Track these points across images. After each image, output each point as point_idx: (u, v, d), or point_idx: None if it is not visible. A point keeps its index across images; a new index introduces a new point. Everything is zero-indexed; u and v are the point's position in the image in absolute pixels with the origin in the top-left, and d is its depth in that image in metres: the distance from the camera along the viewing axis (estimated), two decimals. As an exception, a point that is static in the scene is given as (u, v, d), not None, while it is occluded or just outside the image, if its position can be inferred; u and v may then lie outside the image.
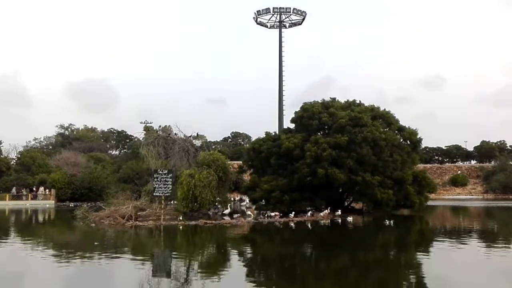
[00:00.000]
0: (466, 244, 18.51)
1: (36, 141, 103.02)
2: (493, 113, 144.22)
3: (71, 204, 49.77)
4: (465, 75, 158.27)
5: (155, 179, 28.11)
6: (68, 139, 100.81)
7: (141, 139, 48.46)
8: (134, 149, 65.56)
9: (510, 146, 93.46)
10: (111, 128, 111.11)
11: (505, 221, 32.56)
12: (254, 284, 11.37)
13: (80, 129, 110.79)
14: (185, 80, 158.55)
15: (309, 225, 26.08)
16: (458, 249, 16.79)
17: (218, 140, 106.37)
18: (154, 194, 28.70)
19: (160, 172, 28.41)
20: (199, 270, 13.41)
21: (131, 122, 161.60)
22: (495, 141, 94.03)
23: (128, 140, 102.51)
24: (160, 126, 39.40)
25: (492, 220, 33.36)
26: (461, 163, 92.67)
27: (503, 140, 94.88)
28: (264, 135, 36.50)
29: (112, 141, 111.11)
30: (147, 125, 67.41)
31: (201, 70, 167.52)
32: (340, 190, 33.70)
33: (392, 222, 25.58)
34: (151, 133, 40.15)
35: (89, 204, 41.75)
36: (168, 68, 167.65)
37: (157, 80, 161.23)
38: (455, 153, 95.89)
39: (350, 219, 28.03)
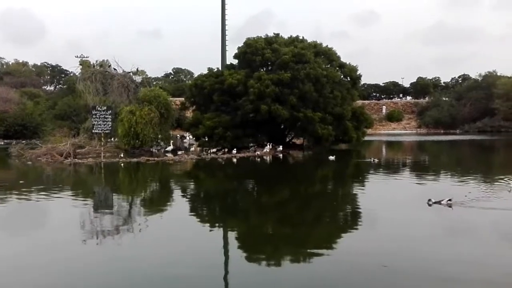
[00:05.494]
0: (399, 176, 19.66)
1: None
2: (428, 50, 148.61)
3: (3, 142, 47.56)
4: (398, 10, 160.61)
5: (94, 116, 27.40)
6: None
7: (77, 74, 46.32)
8: (70, 85, 62.66)
9: (444, 82, 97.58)
10: (45, 62, 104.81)
11: (435, 154, 34.68)
12: (197, 219, 11.58)
13: (11, 63, 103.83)
14: (114, 10, 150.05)
15: (251, 161, 26.56)
16: (391, 181, 17.79)
17: (160, 76, 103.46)
18: (93, 131, 28.05)
19: (99, 108, 27.74)
20: (141, 207, 13.44)
21: (63, 57, 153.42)
22: (431, 78, 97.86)
23: (63, 75, 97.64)
24: (97, 61, 37.60)
25: (423, 153, 35.43)
26: (398, 99, 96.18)
27: (438, 77, 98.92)
28: (207, 71, 35.86)
29: (46, 76, 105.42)
30: (83, 59, 64.25)
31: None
32: (282, 126, 34.21)
33: (376, 160, 25.12)
34: (88, 68, 38.34)
35: (23, 141, 40.00)
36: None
37: (82, 8, 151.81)
38: (392, 89, 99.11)
39: (331, 158, 25.14)
